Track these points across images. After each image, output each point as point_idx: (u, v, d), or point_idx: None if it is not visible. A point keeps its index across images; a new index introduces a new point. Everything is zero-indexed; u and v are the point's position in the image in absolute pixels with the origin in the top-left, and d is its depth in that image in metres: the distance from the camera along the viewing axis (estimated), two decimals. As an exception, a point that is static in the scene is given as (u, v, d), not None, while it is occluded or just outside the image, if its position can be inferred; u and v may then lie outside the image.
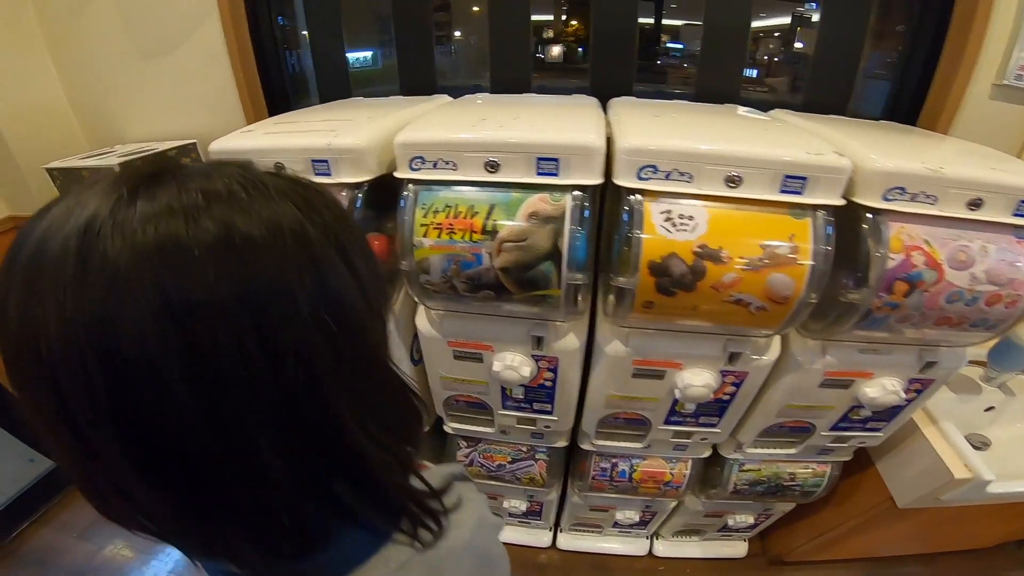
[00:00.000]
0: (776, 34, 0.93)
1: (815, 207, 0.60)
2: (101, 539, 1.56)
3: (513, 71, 1.03)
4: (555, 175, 0.61)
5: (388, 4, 1.08)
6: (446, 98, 0.94)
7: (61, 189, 1.21)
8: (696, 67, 0.95)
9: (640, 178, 0.60)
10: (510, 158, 0.60)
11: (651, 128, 0.64)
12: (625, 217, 0.61)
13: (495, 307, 0.70)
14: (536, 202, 0.62)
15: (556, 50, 1.09)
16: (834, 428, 0.91)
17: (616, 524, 1.29)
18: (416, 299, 0.75)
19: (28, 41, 1.25)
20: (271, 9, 1.13)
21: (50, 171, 1.18)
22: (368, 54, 1.23)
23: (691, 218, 0.60)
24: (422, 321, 0.79)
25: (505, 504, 1.22)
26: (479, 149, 0.61)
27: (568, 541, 1.40)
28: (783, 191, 0.59)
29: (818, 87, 0.90)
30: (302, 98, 1.27)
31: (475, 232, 0.62)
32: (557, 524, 1.42)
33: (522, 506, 1.23)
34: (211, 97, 1.21)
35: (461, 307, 0.72)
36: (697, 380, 0.76)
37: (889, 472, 1.06)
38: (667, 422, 0.89)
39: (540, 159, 0.60)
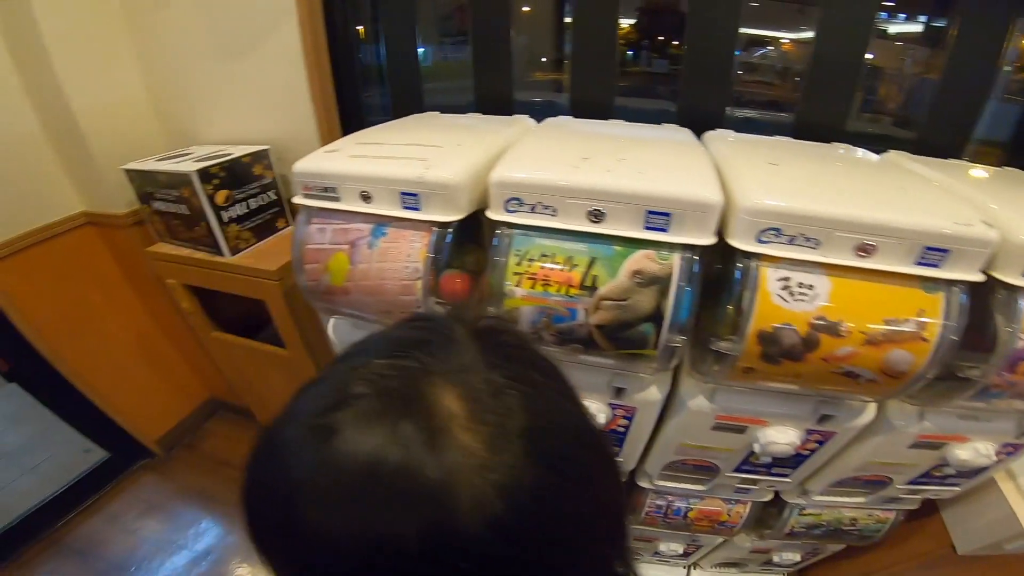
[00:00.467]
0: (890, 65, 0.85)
1: (950, 281, 0.55)
2: (146, 532, 1.59)
3: (595, 93, 0.97)
4: (664, 231, 0.56)
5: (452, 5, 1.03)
6: (528, 120, 0.88)
7: (138, 190, 1.21)
8: (801, 98, 0.87)
9: (760, 241, 0.55)
10: (617, 209, 0.56)
11: (772, 182, 0.59)
12: (737, 278, 0.57)
13: (579, 358, 0.67)
14: (641, 259, 0.58)
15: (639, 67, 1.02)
16: (912, 483, 0.87)
17: (656, 553, 1.28)
18: None
19: (113, 33, 1.24)
20: (347, 10, 1.08)
21: (128, 172, 1.18)
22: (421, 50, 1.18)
23: (811, 287, 0.55)
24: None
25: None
26: (584, 196, 0.56)
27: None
28: (919, 263, 0.54)
29: (937, 125, 0.83)
30: (369, 101, 1.23)
31: (572, 287, 0.59)
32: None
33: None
34: (285, 100, 1.17)
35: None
36: (781, 438, 0.73)
37: (954, 520, 1.03)
38: (737, 470, 0.86)
39: (650, 212, 0.55)
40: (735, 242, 0.56)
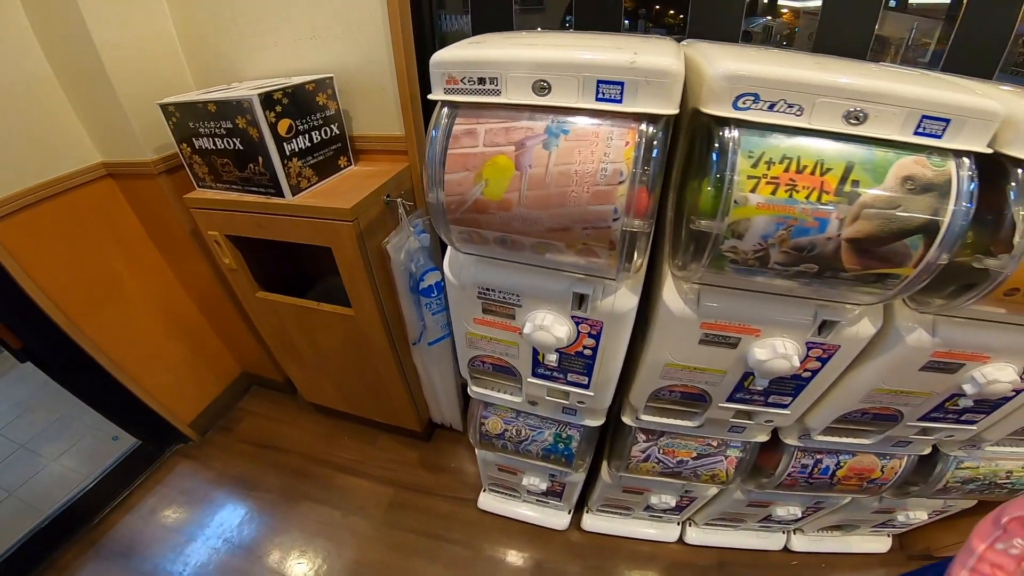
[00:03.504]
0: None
1: None
2: (190, 527, 1.53)
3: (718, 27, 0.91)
4: (938, 137, 0.50)
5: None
6: (668, 39, 0.78)
7: (176, 128, 1.10)
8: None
9: None
10: (884, 111, 0.49)
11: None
12: (1012, 195, 0.52)
13: (789, 285, 0.60)
14: (911, 164, 0.51)
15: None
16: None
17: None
18: (677, 266, 0.65)
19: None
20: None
21: (165, 107, 1.07)
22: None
23: None
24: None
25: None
26: (844, 96, 0.49)
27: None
28: None
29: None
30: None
31: (827, 192, 0.52)
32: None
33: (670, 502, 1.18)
34: (351, 23, 1.05)
35: (743, 280, 0.62)
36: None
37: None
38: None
39: (926, 117, 0.49)
40: (1016, 152, 0.51)
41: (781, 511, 1.20)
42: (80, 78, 1.16)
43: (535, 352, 0.80)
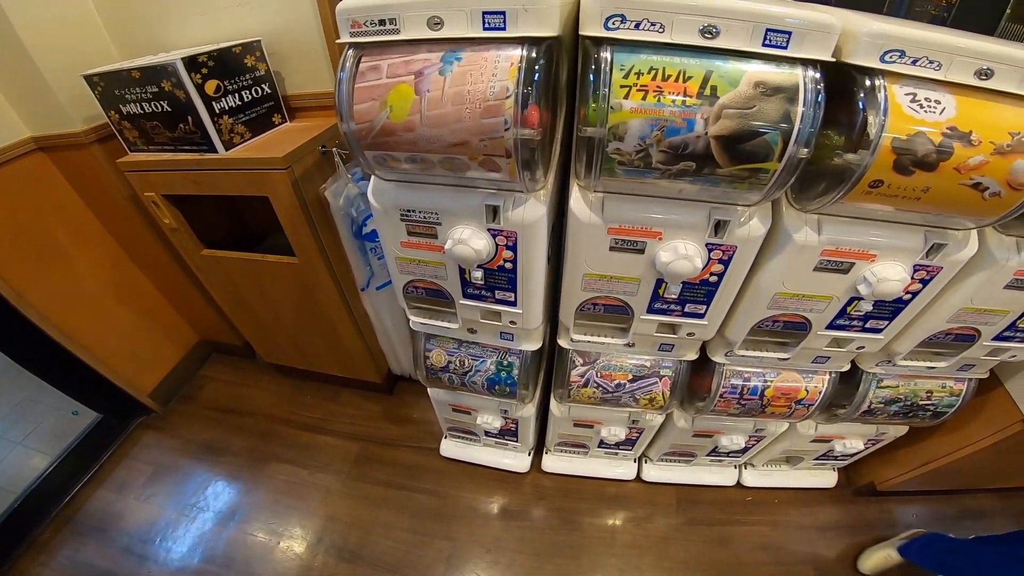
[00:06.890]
0: None
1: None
2: (161, 497, 1.62)
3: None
4: (784, 48, 0.61)
5: None
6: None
7: (102, 97, 1.18)
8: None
9: (884, 61, 0.61)
10: (733, 25, 0.60)
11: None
12: (861, 97, 0.63)
13: (681, 188, 0.70)
14: (762, 72, 0.61)
15: None
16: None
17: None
18: (579, 176, 0.75)
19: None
20: None
21: (89, 78, 1.15)
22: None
23: (938, 102, 0.61)
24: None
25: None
26: (697, 13, 0.60)
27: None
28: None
29: None
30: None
31: (689, 96, 0.62)
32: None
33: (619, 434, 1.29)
34: None
35: (637, 184, 0.72)
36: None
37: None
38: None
39: (770, 30, 0.59)
40: (857, 61, 0.61)
41: (726, 440, 1.32)
42: (2, 58, 1.22)
43: (462, 271, 0.90)
